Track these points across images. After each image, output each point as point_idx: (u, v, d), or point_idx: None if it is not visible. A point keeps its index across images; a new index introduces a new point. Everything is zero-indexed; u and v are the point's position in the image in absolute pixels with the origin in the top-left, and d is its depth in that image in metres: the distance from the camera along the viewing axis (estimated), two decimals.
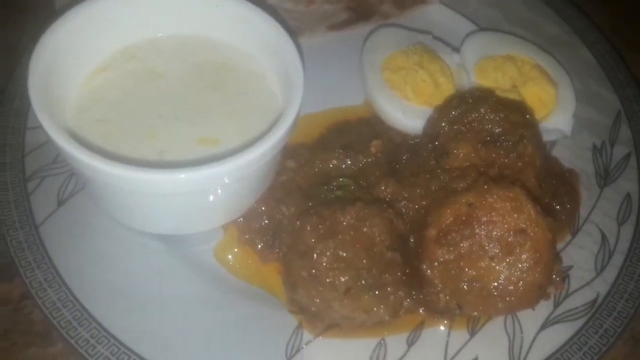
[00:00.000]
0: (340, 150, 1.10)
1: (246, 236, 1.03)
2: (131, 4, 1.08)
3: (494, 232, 0.87)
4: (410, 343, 0.94)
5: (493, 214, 0.87)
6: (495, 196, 0.88)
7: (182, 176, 0.85)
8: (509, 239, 0.87)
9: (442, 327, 0.96)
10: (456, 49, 1.26)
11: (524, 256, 0.86)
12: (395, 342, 0.93)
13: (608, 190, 1.12)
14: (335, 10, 1.40)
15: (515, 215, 0.87)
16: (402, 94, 1.15)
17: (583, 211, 1.10)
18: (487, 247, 0.87)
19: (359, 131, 1.17)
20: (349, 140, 1.14)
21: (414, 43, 1.22)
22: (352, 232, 0.88)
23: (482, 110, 0.99)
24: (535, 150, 0.99)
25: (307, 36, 1.35)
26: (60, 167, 1.05)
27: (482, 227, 0.87)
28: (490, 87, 1.12)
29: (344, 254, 0.87)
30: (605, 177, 1.14)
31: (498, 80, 1.18)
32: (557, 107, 1.17)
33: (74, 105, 1.02)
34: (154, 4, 1.09)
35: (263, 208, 1.05)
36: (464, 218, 0.88)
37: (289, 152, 1.10)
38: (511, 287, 0.87)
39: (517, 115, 1.00)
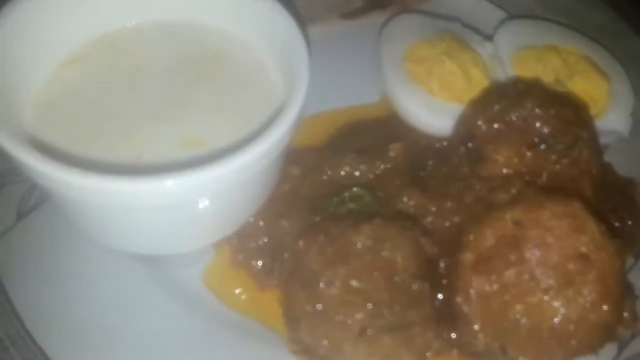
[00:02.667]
0: (354, 155, 0.94)
1: (240, 257, 0.91)
2: None
3: (549, 258, 0.70)
4: None
5: (547, 234, 0.71)
6: (549, 212, 0.71)
7: (164, 184, 0.71)
8: (568, 267, 0.71)
9: None
10: (489, 38, 1.09)
11: (586, 288, 0.70)
12: None
13: None
14: None
15: (575, 237, 0.70)
16: (426, 88, 0.99)
17: None
18: (539, 277, 0.72)
19: (376, 133, 1.03)
20: (363, 143, 1.00)
21: (440, 31, 1.05)
22: (368, 257, 0.71)
23: (528, 105, 0.81)
24: (593, 155, 0.82)
25: (318, 26, 1.22)
26: (22, 173, 0.89)
27: (533, 251, 0.71)
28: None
29: (358, 285, 0.70)
30: None
31: (539, 73, 1.02)
32: (610, 104, 1.01)
33: (37, 102, 0.89)
34: None
35: (261, 223, 0.90)
36: (509, 239, 0.72)
37: (293, 156, 0.97)
38: (571, 327, 0.70)
39: (570, 112, 0.83)
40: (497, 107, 0.82)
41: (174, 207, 0.78)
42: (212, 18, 0.96)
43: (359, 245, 0.71)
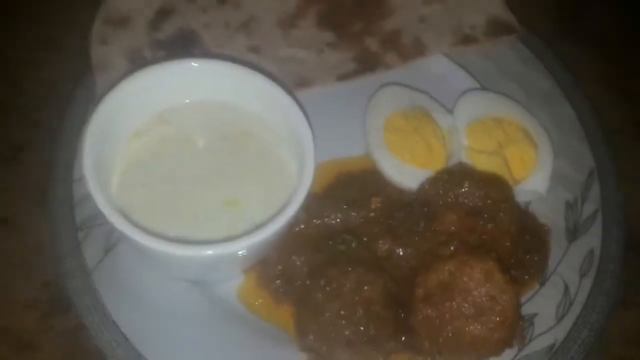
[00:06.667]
0: (345, 207, 1.24)
1: (262, 281, 1.15)
2: (165, 73, 1.20)
3: (470, 297, 1.03)
4: None
5: (470, 282, 1.04)
6: (471, 267, 1.06)
7: (209, 252, 0.99)
8: (482, 303, 1.03)
9: None
10: (450, 111, 1.34)
11: (493, 318, 1.03)
12: None
13: (575, 245, 1.20)
14: (343, 60, 1.47)
15: (487, 285, 1.05)
16: (400, 157, 1.24)
17: (552, 264, 1.18)
18: (463, 309, 1.03)
19: (362, 185, 1.28)
20: (353, 195, 1.25)
21: (413, 106, 1.33)
22: (353, 295, 1.07)
23: (466, 186, 1.16)
24: (512, 220, 1.17)
25: (317, 87, 1.43)
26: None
27: (460, 292, 1.04)
28: (477, 151, 1.27)
29: (346, 313, 1.06)
30: (574, 233, 1.22)
31: (486, 142, 1.30)
32: (536, 168, 1.28)
33: (117, 169, 1.16)
34: (185, 73, 1.21)
35: (277, 257, 1.17)
36: (446, 283, 1.06)
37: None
38: (482, 341, 1.06)
39: (497, 191, 1.18)
40: (446, 185, 1.18)
41: (215, 263, 1.06)
42: (244, 101, 1.19)
43: (347, 286, 1.08)
